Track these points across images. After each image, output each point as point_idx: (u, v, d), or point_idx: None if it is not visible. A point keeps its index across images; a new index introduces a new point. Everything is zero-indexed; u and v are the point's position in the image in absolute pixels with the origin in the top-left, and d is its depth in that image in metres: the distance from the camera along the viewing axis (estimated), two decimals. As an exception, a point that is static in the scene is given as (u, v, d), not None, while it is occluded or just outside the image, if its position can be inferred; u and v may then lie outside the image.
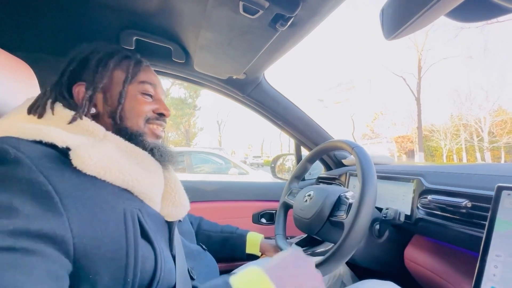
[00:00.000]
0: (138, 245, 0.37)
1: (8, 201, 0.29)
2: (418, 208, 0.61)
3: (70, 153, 0.36)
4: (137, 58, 0.52)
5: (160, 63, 0.88)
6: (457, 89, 21.09)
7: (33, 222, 0.29)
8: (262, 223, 1.11)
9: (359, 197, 0.52)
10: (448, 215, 0.53)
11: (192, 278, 0.49)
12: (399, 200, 0.69)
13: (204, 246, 0.65)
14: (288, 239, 0.81)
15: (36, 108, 0.42)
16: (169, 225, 0.48)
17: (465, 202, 0.49)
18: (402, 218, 0.57)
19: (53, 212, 0.31)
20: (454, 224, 0.52)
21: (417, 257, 0.65)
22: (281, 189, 1.17)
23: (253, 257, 0.79)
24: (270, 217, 1.13)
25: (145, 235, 0.40)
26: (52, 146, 0.36)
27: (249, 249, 0.78)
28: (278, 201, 1.18)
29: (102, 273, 0.33)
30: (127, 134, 0.47)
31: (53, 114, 0.42)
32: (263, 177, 4.34)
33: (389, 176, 0.74)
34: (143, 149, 0.47)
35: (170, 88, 18.79)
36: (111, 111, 0.47)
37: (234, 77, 0.88)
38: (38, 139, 0.36)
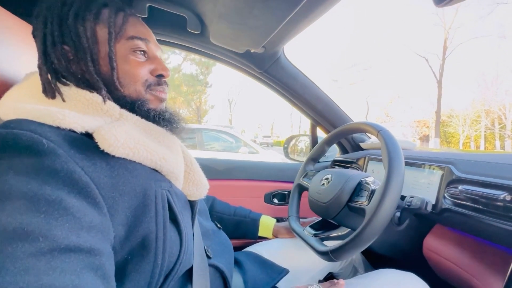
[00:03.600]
0: (167, 229, 0.36)
1: (52, 194, 0.26)
2: (444, 197, 0.58)
3: (94, 135, 0.34)
4: (118, 5, 0.42)
5: (174, 34, 0.83)
6: (483, 72, 19.77)
7: (83, 216, 0.27)
8: (274, 203, 1.11)
9: (384, 183, 0.49)
10: (481, 207, 0.49)
11: (208, 257, 0.49)
12: (423, 188, 0.65)
13: (218, 225, 0.64)
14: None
15: (45, 89, 0.37)
16: (191, 204, 0.47)
17: (503, 194, 0.45)
18: (430, 208, 0.54)
19: (97, 203, 0.29)
20: (486, 217, 0.48)
21: (437, 247, 0.62)
22: (294, 170, 1.16)
23: (264, 237, 0.79)
24: (282, 198, 1.13)
25: (173, 217, 0.39)
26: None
27: (262, 233, 0.78)
28: (290, 182, 1.17)
29: (131, 258, 0.33)
30: (127, 104, 0.41)
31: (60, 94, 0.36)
32: (274, 156, 4.33)
33: (413, 162, 0.70)
34: (152, 121, 0.42)
35: (181, 63, 18.52)
36: (104, 79, 0.40)
37: (252, 51, 0.82)
38: (55, 125, 0.32)
